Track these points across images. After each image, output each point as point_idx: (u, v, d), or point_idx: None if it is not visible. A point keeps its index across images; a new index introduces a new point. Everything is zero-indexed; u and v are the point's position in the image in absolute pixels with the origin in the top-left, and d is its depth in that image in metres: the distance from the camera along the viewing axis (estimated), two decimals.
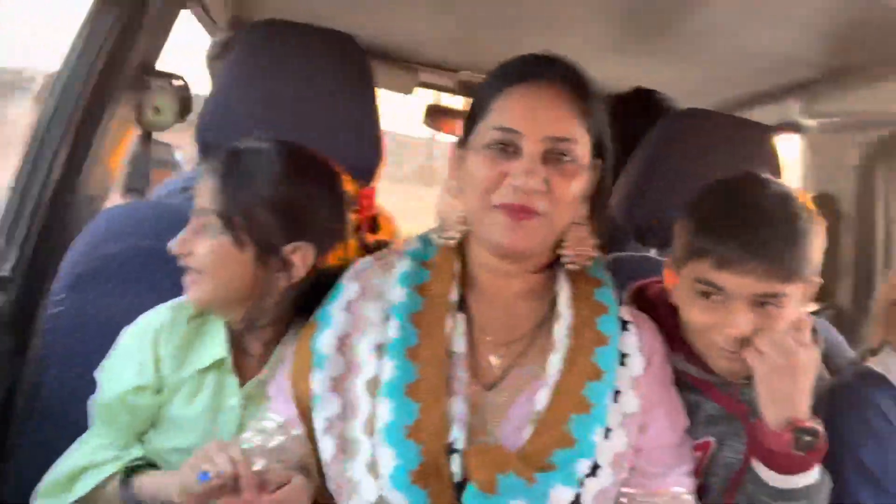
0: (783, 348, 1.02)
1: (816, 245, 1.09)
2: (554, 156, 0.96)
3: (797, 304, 1.09)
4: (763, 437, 1.04)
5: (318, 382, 0.98)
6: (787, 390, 1.03)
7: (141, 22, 1.40)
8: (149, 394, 1.10)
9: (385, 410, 0.93)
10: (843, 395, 1.20)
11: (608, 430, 0.97)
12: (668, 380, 1.09)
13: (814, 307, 1.82)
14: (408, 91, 2.38)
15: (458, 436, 0.92)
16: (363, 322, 1.01)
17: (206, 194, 1.08)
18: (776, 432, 1.02)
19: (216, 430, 1.10)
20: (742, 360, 1.07)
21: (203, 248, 1.08)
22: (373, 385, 0.96)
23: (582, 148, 0.98)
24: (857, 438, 1.16)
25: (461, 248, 1.07)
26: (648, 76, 2.00)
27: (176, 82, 1.46)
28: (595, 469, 0.94)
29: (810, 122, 1.87)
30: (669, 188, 1.48)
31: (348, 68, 1.36)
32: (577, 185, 0.98)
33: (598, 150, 1.02)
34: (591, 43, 1.80)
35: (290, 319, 1.15)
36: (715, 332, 1.08)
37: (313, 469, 0.97)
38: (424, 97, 2.83)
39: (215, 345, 1.12)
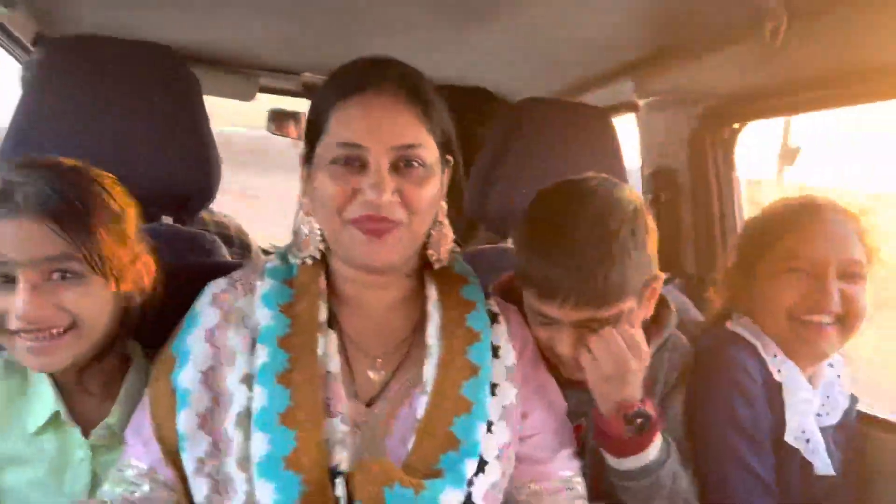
0: (614, 356, 1.07)
1: (642, 257, 1.11)
2: (402, 164, 0.95)
3: (633, 313, 1.13)
4: (599, 424, 1.10)
5: (184, 421, 0.93)
6: (618, 386, 1.08)
7: None
8: None
9: (260, 443, 0.89)
10: (710, 359, 1.27)
11: (490, 424, 0.98)
12: (540, 364, 1.12)
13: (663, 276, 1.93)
14: (249, 98, 2.28)
15: (340, 458, 0.90)
16: (227, 352, 0.97)
17: (36, 241, 0.95)
18: (608, 419, 1.08)
19: (65, 489, 1.02)
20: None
21: (76, 300, 0.98)
22: (245, 419, 0.92)
23: (429, 151, 0.97)
24: (728, 397, 1.23)
25: (324, 262, 1.05)
26: (484, 69, 2.03)
27: None
28: (482, 466, 0.95)
29: (642, 101, 1.95)
30: (517, 177, 1.50)
31: (168, 80, 1.28)
32: (430, 190, 0.98)
33: (445, 148, 1.02)
34: (426, 41, 1.80)
35: (127, 352, 1.09)
36: (550, 348, 1.13)
37: None
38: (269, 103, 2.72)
39: (44, 399, 1.03)
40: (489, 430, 0.97)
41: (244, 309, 0.99)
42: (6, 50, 1.75)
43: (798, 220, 1.28)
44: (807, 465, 1.26)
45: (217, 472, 0.92)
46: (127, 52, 1.26)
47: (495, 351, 1.04)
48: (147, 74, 1.26)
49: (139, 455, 0.96)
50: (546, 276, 1.08)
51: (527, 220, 1.17)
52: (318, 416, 0.91)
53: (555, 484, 1.06)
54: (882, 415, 1.40)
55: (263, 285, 1.01)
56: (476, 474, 0.94)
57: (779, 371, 1.26)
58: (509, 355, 1.05)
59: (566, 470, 1.08)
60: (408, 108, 0.96)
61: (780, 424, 1.25)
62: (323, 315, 0.99)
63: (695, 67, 1.72)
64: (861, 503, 1.35)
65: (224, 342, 0.97)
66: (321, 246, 1.03)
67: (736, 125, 1.80)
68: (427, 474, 0.91)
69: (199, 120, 1.31)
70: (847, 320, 1.23)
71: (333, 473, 0.89)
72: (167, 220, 1.32)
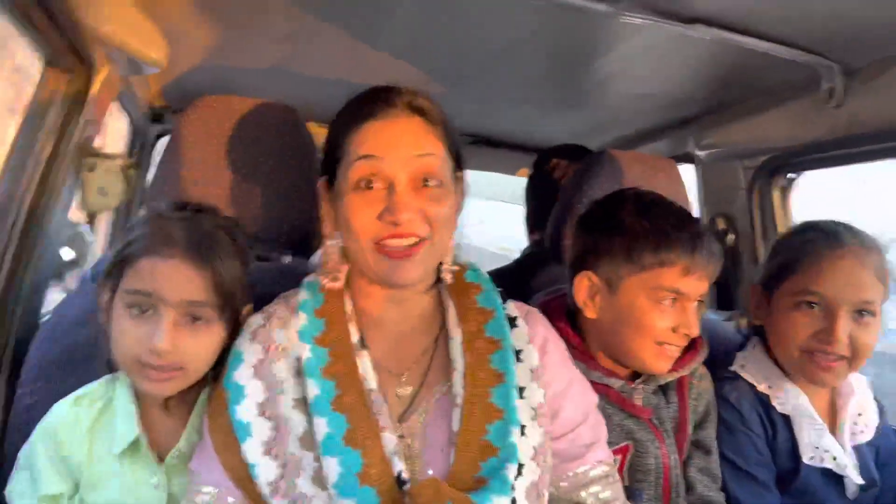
0: None
1: None
2: (421, 183, 1.00)
3: None
4: None
5: (250, 451, 0.98)
6: None
7: (82, 107, 1.43)
8: (64, 499, 1.05)
9: (332, 465, 0.93)
10: (716, 398, 1.38)
11: (523, 428, 1.00)
12: (567, 360, 1.15)
13: (725, 314, 2.03)
14: None
15: (401, 467, 0.95)
16: (276, 382, 1.02)
17: (185, 283, 1.03)
18: None
19: None
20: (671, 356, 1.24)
21: (196, 343, 1.04)
22: (307, 439, 0.97)
23: (444, 163, 1.03)
24: (720, 432, 1.34)
25: (348, 286, 1.10)
26: (555, 123, 2.17)
27: (120, 161, 1.48)
28: (520, 469, 0.97)
29: (701, 153, 2.08)
30: None
31: (290, 139, 1.42)
32: (448, 206, 1.03)
33: (457, 164, 1.07)
34: (506, 99, 1.94)
35: (202, 386, 1.12)
36: (668, 330, 1.23)
37: None
38: None
39: (126, 425, 1.07)
40: (523, 433, 1.00)
41: (282, 341, 1.04)
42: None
43: (817, 252, 1.31)
44: (843, 483, 1.33)
45: (291, 491, 0.96)
46: (257, 110, 1.41)
47: (518, 355, 1.06)
48: (274, 131, 1.40)
49: (210, 480, 1.00)
50: (691, 251, 1.20)
51: (630, 208, 1.27)
52: (375, 432, 0.96)
53: (592, 473, 1.09)
54: None
55: (298, 320, 1.05)
56: (515, 477, 0.96)
57: (781, 403, 1.35)
58: (532, 357, 1.07)
59: (601, 459, 1.11)
60: (421, 124, 1.02)
61: (797, 451, 1.33)
62: (355, 337, 1.05)
63: (753, 123, 1.84)
64: None
65: (270, 373, 1.02)
66: (345, 269, 1.08)
67: (792, 175, 1.90)
68: (471, 485, 0.93)
69: (311, 170, 1.45)
70: (854, 358, 1.29)
71: (399, 482, 0.94)
72: (286, 258, 1.46)
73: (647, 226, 1.23)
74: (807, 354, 1.32)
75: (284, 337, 1.04)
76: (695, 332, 1.23)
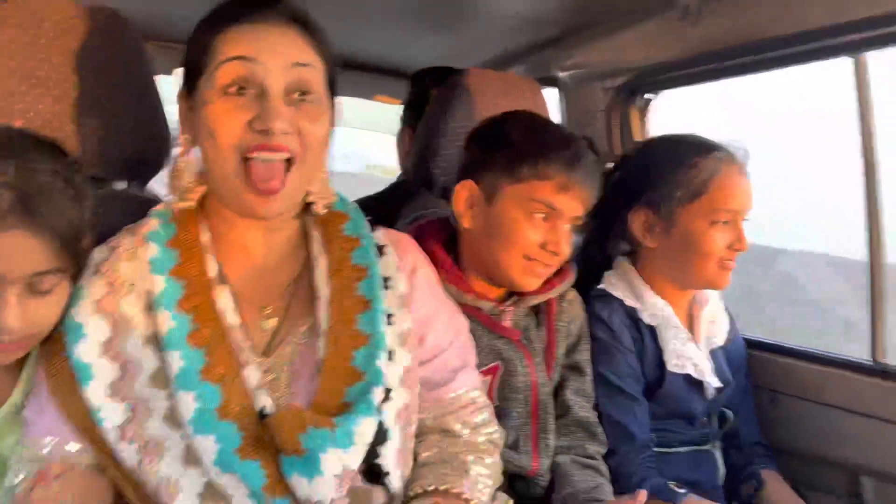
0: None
1: None
2: (297, 94, 0.94)
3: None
4: None
5: (93, 394, 0.91)
6: None
7: None
8: None
9: (187, 401, 0.89)
10: (589, 317, 1.42)
11: (391, 353, 1.00)
12: (436, 286, 1.15)
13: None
14: (169, 72, 2.22)
15: (265, 401, 0.92)
16: (123, 319, 0.95)
17: (18, 257, 0.88)
18: None
19: None
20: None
21: (47, 309, 0.93)
22: (159, 377, 0.92)
23: (321, 78, 0.97)
24: (595, 350, 1.39)
25: (203, 211, 1.03)
26: (420, 45, 2.10)
27: None
28: (388, 393, 0.97)
29: (563, 74, 2.08)
30: (457, 144, 1.57)
31: (119, 50, 1.25)
32: (323, 127, 0.98)
33: (331, 86, 1.01)
34: (370, 20, 1.87)
35: None
36: (537, 246, 1.25)
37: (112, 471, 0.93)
38: None
39: None
40: (390, 358, 0.99)
41: (129, 275, 0.97)
42: None
43: (723, 170, 1.38)
44: (702, 386, 1.44)
45: (141, 435, 0.91)
46: (78, 15, 1.21)
47: (386, 282, 1.04)
48: (96, 40, 1.22)
49: (45, 432, 0.92)
50: (568, 168, 1.22)
51: (519, 126, 1.30)
52: (235, 367, 0.93)
53: (460, 399, 1.09)
54: (755, 337, 1.66)
55: (147, 251, 0.97)
56: (383, 402, 0.96)
57: (649, 315, 1.43)
58: (401, 284, 1.06)
59: (469, 386, 1.11)
60: (301, 33, 0.96)
61: (662, 360, 1.41)
62: (213, 271, 0.99)
63: (612, 43, 1.86)
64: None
65: (117, 310, 0.95)
66: (201, 189, 1.01)
67: (649, 96, 1.95)
68: (336, 410, 0.92)
69: (146, 87, 1.30)
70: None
71: (262, 417, 0.91)
72: (120, 185, 1.30)
73: (531, 140, 1.25)
74: (721, 262, 1.40)
75: (133, 270, 0.97)
76: (563, 250, 1.25)
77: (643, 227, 1.44)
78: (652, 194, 1.43)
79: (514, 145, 1.26)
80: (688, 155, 1.41)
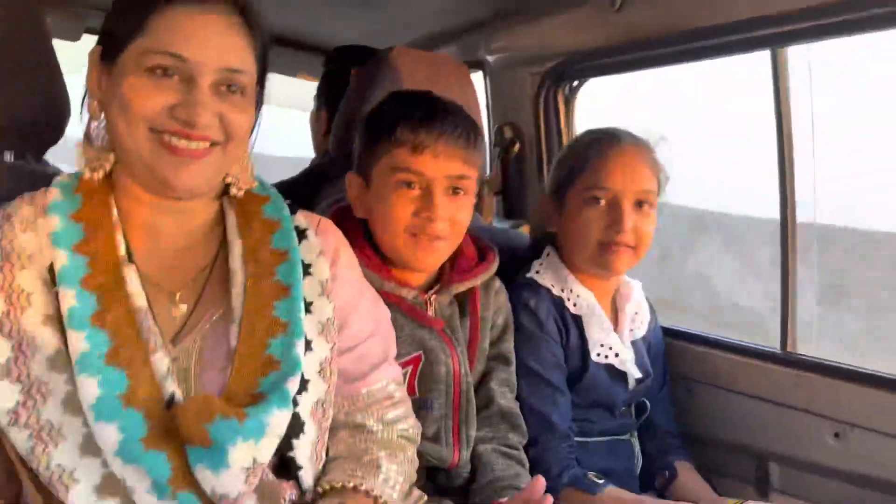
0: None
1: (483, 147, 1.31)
2: (225, 87, 0.91)
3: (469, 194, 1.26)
4: None
5: None
6: None
7: None
8: None
9: (89, 386, 0.83)
10: (515, 305, 1.41)
11: (309, 342, 0.96)
12: (358, 272, 1.12)
13: (510, 221, 2.07)
14: (75, 38, 2.07)
15: (173, 389, 0.87)
16: (18, 293, 0.87)
17: None
18: None
19: None
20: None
21: None
22: (58, 360, 0.85)
23: (252, 80, 0.94)
24: (519, 339, 1.39)
25: (111, 186, 0.97)
26: (344, 22, 2.03)
27: None
28: (304, 384, 0.94)
29: (490, 58, 2.05)
30: None
31: (11, 14, 1.14)
32: (249, 117, 0.95)
33: (261, 82, 0.98)
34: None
35: None
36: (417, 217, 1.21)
37: None
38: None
39: None
40: (308, 347, 0.96)
41: (27, 247, 0.90)
42: None
43: (600, 151, 1.40)
44: (624, 376, 1.45)
45: (36, 420, 0.84)
46: None
47: (306, 268, 1.01)
48: None
49: None
50: (417, 127, 1.18)
51: (391, 106, 1.27)
52: (143, 352, 0.87)
53: (376, 394, 1.07)
54: (673, 326, 1.70)
55: (48, 223, 0.91)
56: (299, 393, 0.92)
57: (575, 305, 1.43)
58: (323, 270, 1.02)
59: (388, 379, 1.09)
60: (239, 29, 0.92)
61: (586, 350, 1.42)
62: (122, 249, 0.93)
63: (540, 28, 1.84)
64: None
65: (11, 283, 0.88)
66: (110, 159, 0.94)
67: (576, 83, 1.94)
68: (249, 400, 0.88)
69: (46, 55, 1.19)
70: (638, 246, 1.40)
71: (170, 406, 0.86)
72: (7, 155, 1.19)
73: (385, 111, 1.25)
74: (602, 246, 1.39)
75: (30, 242, 0.90)
76: (439, 215, 1.20)
77: (545, 212, 1.49)
78: (551, 181, 1.50)
79: (372, 120, 1.26)
80: (581, 139, 1.48)
